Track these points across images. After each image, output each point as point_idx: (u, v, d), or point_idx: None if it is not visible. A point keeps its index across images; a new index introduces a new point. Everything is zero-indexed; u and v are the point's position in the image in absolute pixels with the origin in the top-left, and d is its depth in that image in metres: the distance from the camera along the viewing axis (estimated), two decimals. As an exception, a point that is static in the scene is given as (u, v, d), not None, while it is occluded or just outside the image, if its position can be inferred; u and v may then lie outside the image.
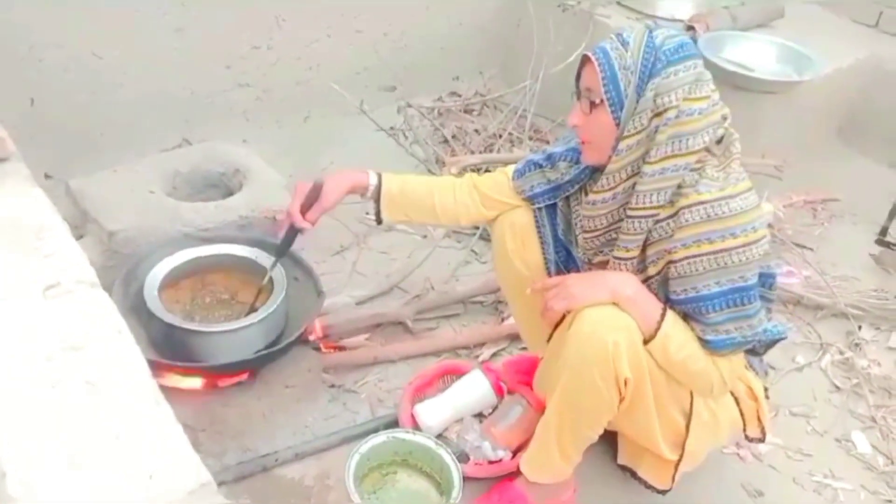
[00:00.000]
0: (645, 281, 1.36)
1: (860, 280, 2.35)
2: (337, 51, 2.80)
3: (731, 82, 2.45)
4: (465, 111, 2.91)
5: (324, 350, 1.85)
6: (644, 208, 1.30)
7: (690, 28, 2.69)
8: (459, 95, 3.03)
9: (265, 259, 1.72)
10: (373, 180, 1.54)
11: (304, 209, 1.52)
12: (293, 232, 1.57)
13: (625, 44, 1.28)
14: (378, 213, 1.56)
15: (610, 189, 1.34)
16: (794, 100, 2.64)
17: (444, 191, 1.56)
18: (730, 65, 2.55)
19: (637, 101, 1.27)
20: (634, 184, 1.31)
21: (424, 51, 2.99)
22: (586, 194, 1.42)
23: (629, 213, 1.32)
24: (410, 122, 2.72)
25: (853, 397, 1.95)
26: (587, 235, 1.42)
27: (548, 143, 2.76)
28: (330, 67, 2.76)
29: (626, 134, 1.28)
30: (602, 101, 1.28)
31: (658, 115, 1.26)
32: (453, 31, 3.05)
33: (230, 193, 2.04)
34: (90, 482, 0.72)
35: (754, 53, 2.70)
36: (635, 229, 1.32)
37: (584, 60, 1.32)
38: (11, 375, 0.82)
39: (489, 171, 2.43)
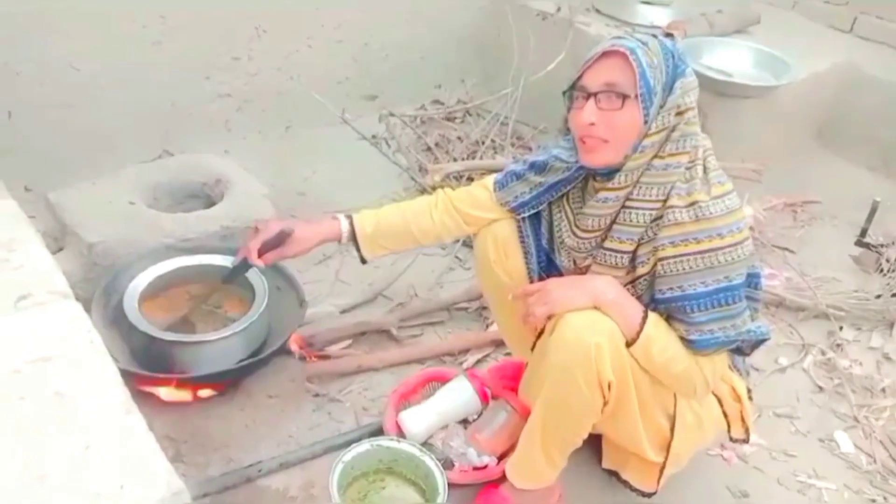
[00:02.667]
0: (633, 281, 1.37)
1: (841, 281, 2.37)
2: (318, 60, 2.80)
3: (711, 88, 2.47)
4: (448, 119, 2.92)
5: (307, 359, 1.84)
6: (643, 201, 1.31)
7: (669, 35, 2.70)
8: (442, 103, 3.04)
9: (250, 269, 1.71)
10: (344, 226, 1.54)
11: (266, 248, 1.52)
12: (246, 264, 1.57)
13: (644, 43, 1.28)
14: (360, 253, 1.56)
15: (624, 187, 1.32)
16: (773, 104, 2.67)
17: (421, 215, 1.55)
18: (708, 70, 2.58)
19: (665, 99, 1.28)
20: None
21: (405, 59, 3.00)
22: (582, 197, 1.42)
23: (628, 204, 1.33)
24: (393, 131, 2.72)
25: (836, 397, 1.96)
26: (586, 235, 1.40)
27: (530, 149, 2.77)
28: (311, 77, 2.77)
29: (653, 130, 1.28)
30: (636, 95, 1.26)
31: (680, 113, 1.29)
32: (434, 40, 3.06)
33: (211, 204, 2.03)
34: (59, 494, 0.71)
35: (732, 59, 2.73)
36: (632, 221, 1.33)
37: (605, 55, 1.28)
38: (-20, 388, 0.81)
39: (471, 180, 2.46)
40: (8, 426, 0.77)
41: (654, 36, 1.32)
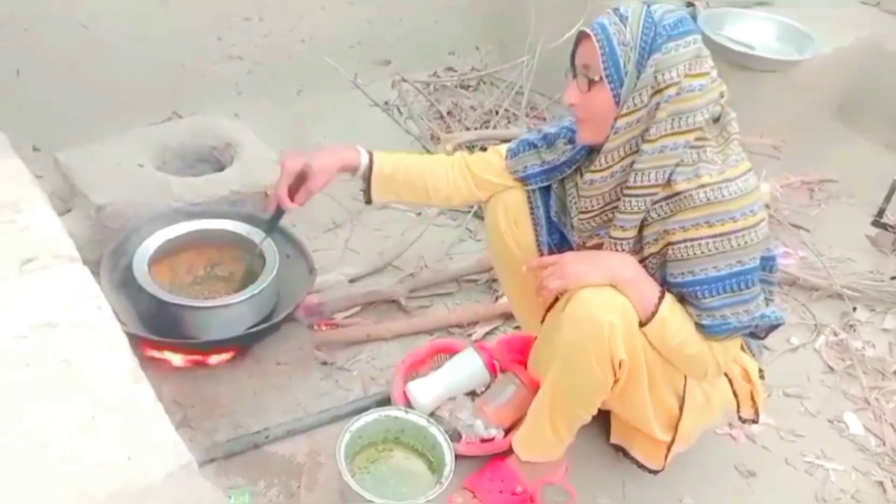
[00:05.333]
0: (642, 261, 1.34)
1: (856, 261, 2.34)
2: (330, 23, 2.75)
3: (731, 60, 2.42)
4: (461, 87, 2.87)
5: (316, 327, 1.83)
6: (642, 187, 1.27)
7: (690, 4, 2.64)
8: (455, 70, 2.99)
9: (256, 234, 1.70)
10: (363, 159, 1.49)
11: (293, 190, 1.48)
12: (280, 211, 1.54)
13: (623, 19, 1.24)
14: (368, 192, 1.52)
15: (607, 168, 1.30)
16: (794, 79, 2.61)
17: (437, 171, 1.52)
18: (730, 42, 2.52)
19: (637, 78, 1.23)
20: (633, 162, 1.28)
21: (419, 24, 2.94)
22: (582, 175, 1.39)
23: (626, 191, 1.29)
24: (405, 97, 2.68)
25: (846, 378, 1.95)
26: (583, 216, 1.39)
27: (544, 119, 2.73)
28: (323, 40, 2.72)
29: (625, 111, 1.25)
30: (601, 77, 1.25)
31: (659, 91, 1.23)
32: (449, 5, 3.00)
33: (221, 168, 2.00)
34: (64, 465, 0.69)
35: (754, 31, 2.67)
36: (632, 208, 1.30)
37: (581, 36, 1.28)
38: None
39: (484, 149, 2.42)
40: (13, 394, 0.76)
41: (648, 5, 1.26)
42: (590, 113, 1.29)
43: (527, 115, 2.70)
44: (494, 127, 2.60)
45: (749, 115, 2.23)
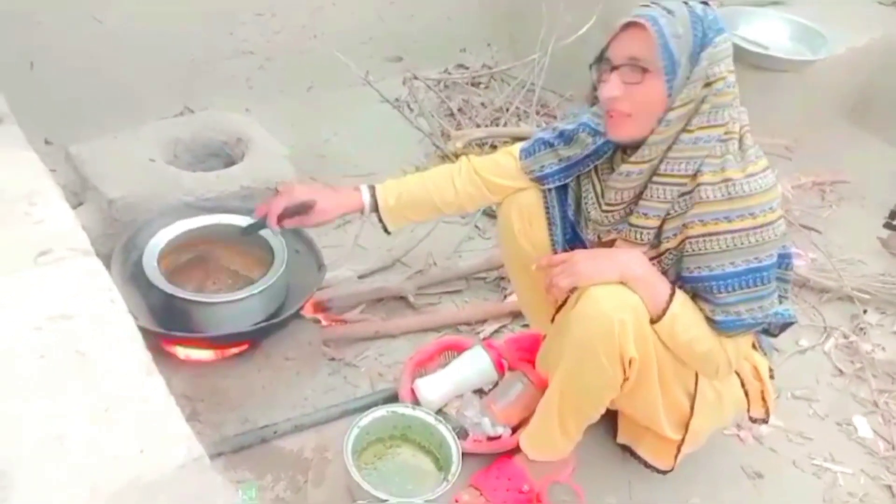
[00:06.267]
0: (659, 256, 1.34)
1: (867, 264, 2.33)
2: (342, 19, 2.76)
3: (745, 60, 2.41)
4: (472, 84, 2.87)
5: (324, 323, 1.84)
6: (672, 175, 1.27)
7: (704, 3, 2.63)
8: (466, 68, 2.99)
9: (266, 231, 1.70)
10: (366, 198, 1.51)
11: (287, 214, 1.51)
12: (261, 223, 1.56)
13: (670, 12, 1.23)
14: (383, 225, 1.54)
15: (648, 161, 1.28)
16: (807, 79, 2.59)
17: (444, 185, 1.52)
18: (743, 42, 2.51)
19: (691, 71, 1.22)
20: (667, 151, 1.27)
21: (431, 21, 2.94)
22: (612, 169, 1.38)
23: (655, 179, 1.29)
24: (416, 94, 2.68)
25: (856, 381, 1.94)
26: (609, 208, 1.37)
27: (555, 117, 2.73)
28: (334, 36, 2.72)
29: (678, 104, 1.23)
30: (658, 68, 1.22)
31: (708, 84, 1.23)
32: (461, 2, 3.00)
33: (232, 163, 2.01)
34: (78, 456, 0.70)
35: (768, 31, 2.66)
36: (659, 196, 1.29)
37: (629, 26, 1.25)
38: (-2, 344, 0.81)
39: (494, 147, 2.42)
40: (28, 384, 0.76)
41: (686, 3, 1.26)
42: (635, 106, 1.26)
43: (537, 113, 2.69)
44: (505, 124, 2.60)
45: (761, 115, 2.22)
